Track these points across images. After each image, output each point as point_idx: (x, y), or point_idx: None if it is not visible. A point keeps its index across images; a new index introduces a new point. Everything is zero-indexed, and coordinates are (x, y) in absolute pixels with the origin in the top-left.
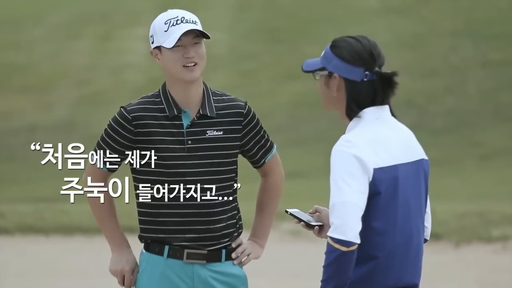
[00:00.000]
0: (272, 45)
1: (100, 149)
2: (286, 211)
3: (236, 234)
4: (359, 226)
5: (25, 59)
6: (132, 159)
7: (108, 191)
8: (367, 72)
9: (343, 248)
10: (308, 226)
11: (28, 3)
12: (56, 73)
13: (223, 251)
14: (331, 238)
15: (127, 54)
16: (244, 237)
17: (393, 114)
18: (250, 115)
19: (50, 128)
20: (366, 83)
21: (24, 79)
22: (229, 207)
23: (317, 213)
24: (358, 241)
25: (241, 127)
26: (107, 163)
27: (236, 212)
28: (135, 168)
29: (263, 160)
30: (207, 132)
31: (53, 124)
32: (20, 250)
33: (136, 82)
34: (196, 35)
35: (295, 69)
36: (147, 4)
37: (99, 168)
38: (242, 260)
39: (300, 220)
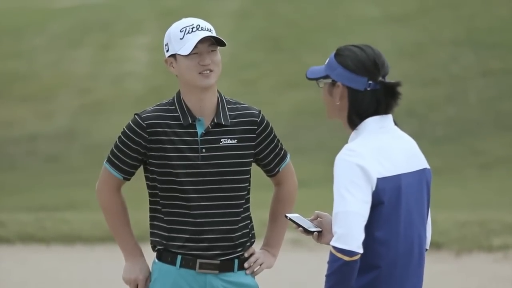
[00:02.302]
0: (273, 53)
1: (114, 157)
2: (286, 216)
3: (248, 243)
4: (362, 235)
5: (26, 68)
6: (146, 167)
7: (122, 199)
8: (370, 82)
9: (346, 258)
10: (307, 232)
11: (29, 12)
12: (57, 82)
13: (236, 260)
14: (334, 247)
15: (128, 63)
16: (256, 246)
17: (396, 124)
18: (264, 123)
19: (51, 137)
20: (369, 92)
21: (25, 88)
22: (242, 216)
23: (318, 219)
24: (361, 250)
25: (255, 135)
26: (122, 171)
27: (249, 221)
28: (148, 175)
29: (277, 169)
30: (221, 140)
31: (54, 133)
32: (20, 259)
33: (137, 91)
34: (212, 43)
35: (296, 78)
36: (148, 13)
37: (114, 176)
38: (255, 270)
39: (298, 225)
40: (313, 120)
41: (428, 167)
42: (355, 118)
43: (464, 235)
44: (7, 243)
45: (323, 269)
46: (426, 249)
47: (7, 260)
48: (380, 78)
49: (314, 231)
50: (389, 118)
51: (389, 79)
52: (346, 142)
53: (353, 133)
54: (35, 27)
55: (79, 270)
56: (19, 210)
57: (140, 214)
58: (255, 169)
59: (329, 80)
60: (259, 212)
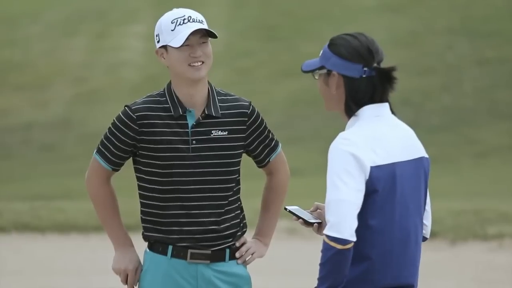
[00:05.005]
0: (268, 42)
1: (103, 148)
2: (285, 209)
3: (240, 233)
4: (355, 224)
5: (21, 57)
6: (136, 159)
7: (111, 189)
8: (365, 69)
9: (339, 246)
10: (307, 223)
11: (24, 1)
12: (52, 70)
13: (227, 250)
14: (327, 236)
15: (123, 52)
16: (248, 235)
17: (393, 112)
18: (255, 115)
19: (46, 126)
20: (365, 79)
21: (20, 76)
22: (233, 206)
23: (318, 210)
24: (354, 239)
25: (245, 127)
26: (111, 162)
27: (239, 211)
28: (138, 167)
29: (268, 159)
30: (212, 132)
31: (49, 122)
32: (16, 248)
33: (132, 80)
34: (203, 35)
35: (292, 67)
36: (143, 2)
37: (103, 167)
38: (246, 259)
39: (298, 217)
40: (309, 109)
41: (426, 155)
42: (352, 106)
43: (459, 223)
44: (2, 232)
45: (319, 258)
46: (426, 238)
47: (2, 249)
48: (375, 64)
49: (314, 223)
50: (385, 106)
51: (384, 66)
52: (342, 131)
53: (350, 121)
54: (30, 16)
55: (74, 258)
56: (14, 199)
57: (134, 203)
58: (247, 158)
59: (324, 70)
60: (252, 201)
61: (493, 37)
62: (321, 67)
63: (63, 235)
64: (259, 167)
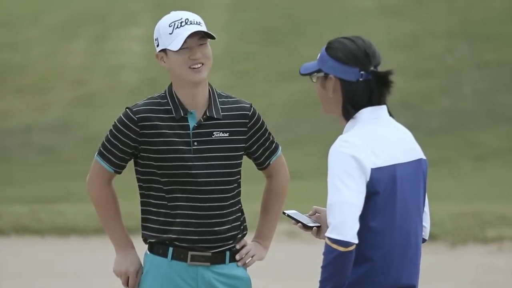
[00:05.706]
0: (267, 45)
1: (105, 150)
2: (284, 213)
3: (240, 235)
4: (356, 226)
5: (20, 60)
6: (138, 161)
7: (112, 192)
8: (362, 72)
9: (341, 248)
10: (306, 227)
11: (23, 4)
12: (51, 73)
13: (227, 253)
14: (329, 238)
15: (122, 55)
16: (248, 238)
17: (390, 114)
18: (255, 117)
19: (46, 129)
20: (361, 83)
21: (20, 79)
22: (234, 209)
23: (316, 214)
24: (356, 241)
25: (246, 129)
26: (113, 164)
27: (240, 214)
28: (139, 169)
29: (268, 162)
30: (213, 133)
31: (49, 124)
32: (15, 251)
33: (131, 83)
34: (201, 36)
35: (291, 70)
36: (142, 5)
37: (104, 169)
38: (246, 262)
39: (297, 221)
40: (308, 112)
41: (424, 157)
42: (349, 110)
43: (459, 226)
44: (1, 235)
45: (319, 261)
46: (425, 240)
47: (2, 252)
48: (372, 68)
49: (313, 226)
50: (383, 108)
51: (382, 69)
52: (341, 134)
53: (348, 124)
54: (29, 19)
55: (73, 261)
56: (13, 202)
57: (134, 206)
58: (247, 161)
59: (321, 74)
60: (252, 204)
61: (493, 40)
62: (319, 70)
63: (63, 238)
64: (259, 169)
